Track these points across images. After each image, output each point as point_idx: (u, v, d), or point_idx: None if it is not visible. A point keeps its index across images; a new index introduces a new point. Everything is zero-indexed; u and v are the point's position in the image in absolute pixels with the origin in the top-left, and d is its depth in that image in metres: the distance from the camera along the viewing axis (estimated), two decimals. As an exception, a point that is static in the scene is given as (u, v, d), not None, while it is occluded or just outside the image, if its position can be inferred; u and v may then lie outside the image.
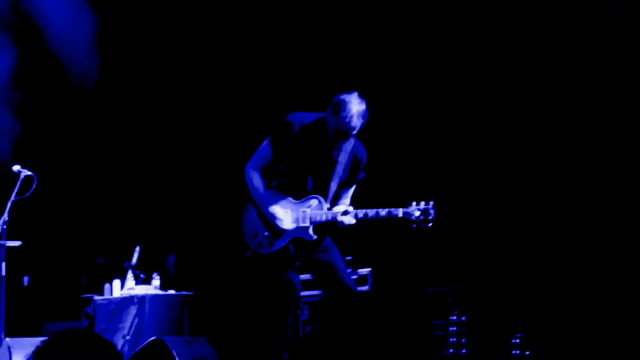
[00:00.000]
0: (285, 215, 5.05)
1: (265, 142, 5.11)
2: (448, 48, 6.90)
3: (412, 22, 7.07)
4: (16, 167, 6.06)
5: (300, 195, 5.09)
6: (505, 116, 6.65)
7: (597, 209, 6.17)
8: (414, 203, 5.04)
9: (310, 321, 6.73)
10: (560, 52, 6.43)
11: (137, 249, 7.13)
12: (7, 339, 5.83)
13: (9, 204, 5.89)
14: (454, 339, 6.17)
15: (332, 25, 7.43)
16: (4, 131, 7.46)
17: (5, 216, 5.86)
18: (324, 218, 5.04)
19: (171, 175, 8.34)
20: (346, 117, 4.82)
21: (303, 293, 5.75)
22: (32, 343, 5.71)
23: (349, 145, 5.04)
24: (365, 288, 6.58)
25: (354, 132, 4.92)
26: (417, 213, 5.01)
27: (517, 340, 5.95)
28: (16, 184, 5.97)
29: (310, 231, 5.06)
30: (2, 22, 7.36)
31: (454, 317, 6.19)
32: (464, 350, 6.14)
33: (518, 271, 6.31)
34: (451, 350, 6.17)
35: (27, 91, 7.67)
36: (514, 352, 5.94)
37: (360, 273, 6.65)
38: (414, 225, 5.04)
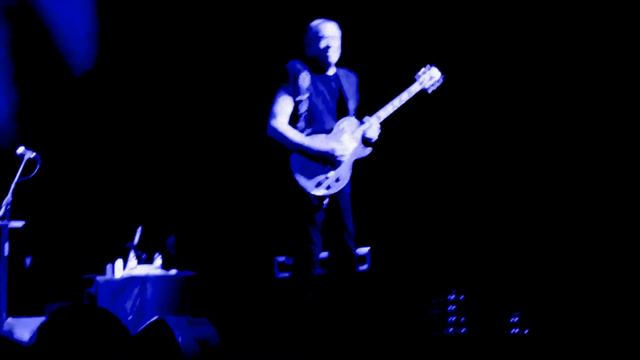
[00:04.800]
0: (335, 147, 5.03)
1: (279, 95, 5.05)
2: (442, 45, 6.90)
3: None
4: (20, 150, 6.10)
5: (330, 127, 5.10)
6: (508, 108, 6.69)
7: (596, 192, 6.20)
8: (418, 72, 5.24)
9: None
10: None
11: (139, 229, 7.17)
12: (10, 318, 5.88)
13: (12, 185, 5.94)
14: (453, 318, 6.22)
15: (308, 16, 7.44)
16: (7, 113, 7.50)
17: (9, 197, 5.91)
18: (363, 129, 5.10)
19: (172, 156, 8.37)
20: (319, 31, 5.05)
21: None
22: (34, 322, 5.77)
23: (340, 72, 5.18)
24: (364, 267, 6.59)
25: (337, 40, 5.07)
26: (427, 79, 5.21)
27: (516, 319, 5.98)
28: (20, 165, 6.02)
29: (362, 147, 5.11)
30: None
31: (452, 296, 6.23)
32: (463, 330, 6.18)
33: (516, 250, 6.34)
34: (451, 330, 6.21)
35: (30, 73, 7.71)
36: (512, 330, 5.98)
37: (359, 253, 6.65)
38: (430, 92, 5.24)
